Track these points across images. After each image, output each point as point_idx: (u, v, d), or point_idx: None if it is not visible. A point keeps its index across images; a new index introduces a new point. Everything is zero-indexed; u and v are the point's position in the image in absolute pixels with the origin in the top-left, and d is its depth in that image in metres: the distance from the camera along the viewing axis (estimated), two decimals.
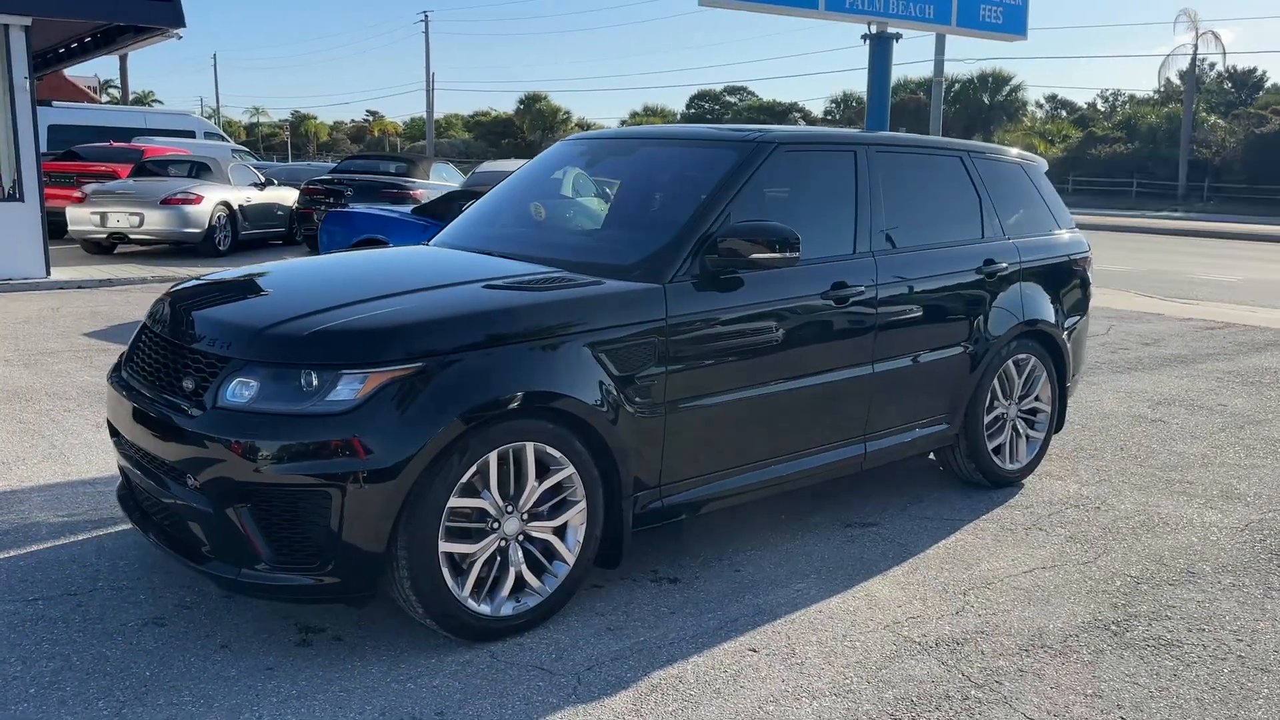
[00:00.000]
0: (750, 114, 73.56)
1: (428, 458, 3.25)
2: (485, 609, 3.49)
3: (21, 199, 11.47)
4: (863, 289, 4.49)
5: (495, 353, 3.44)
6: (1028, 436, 5.47)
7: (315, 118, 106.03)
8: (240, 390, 3.30)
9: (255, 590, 3.33)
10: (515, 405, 3.43)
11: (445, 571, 3.37)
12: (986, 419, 5.20)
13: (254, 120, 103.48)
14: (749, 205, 4.29)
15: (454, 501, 3.36)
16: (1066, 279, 5.62)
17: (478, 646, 3.49)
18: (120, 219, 14.22)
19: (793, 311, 4.26)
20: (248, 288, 4.02)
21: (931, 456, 5.39)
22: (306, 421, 3.21)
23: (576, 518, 3.68)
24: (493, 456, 3.42)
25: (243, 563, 3.30)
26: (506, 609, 3.55)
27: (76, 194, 14.72)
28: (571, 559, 3.68)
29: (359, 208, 10.47)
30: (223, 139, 29.59)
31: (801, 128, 5.73)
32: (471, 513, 3.45)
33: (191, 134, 28.56)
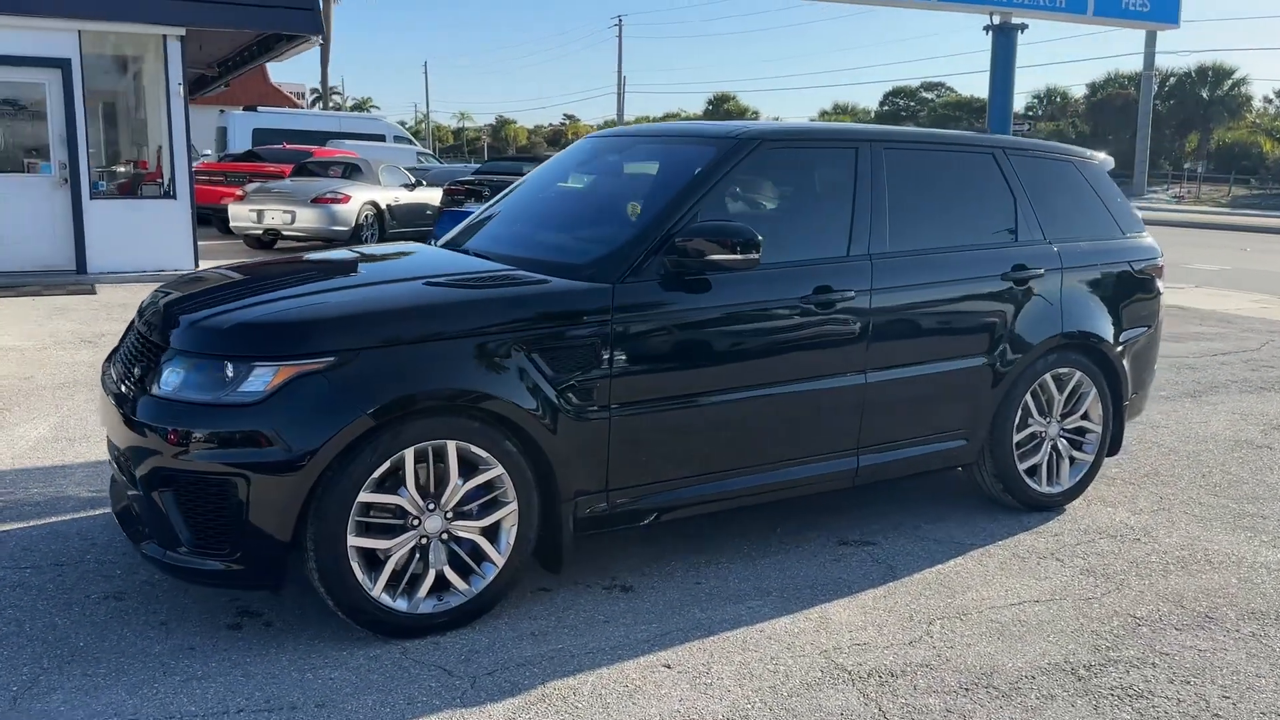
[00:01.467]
0: (946, 110, 71.34)
1: (333, 452, 3.28)
2: (401, 605, 3.49)
3: (174, 196, 12.39)
4: (852, 294, 4.23)
5: (412, 350, 3.43)
6: (1072, 458, 5.03)
7: (515, 122, 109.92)
8: (170, 379, 3.43)
9: (176, 572, 3.45)
10: (433, 403, 3.41)
11: (355, 566, 3.39)
12: (1017, 437, 4.80)
13: (460, 125, 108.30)
14: (725, 204, 4.13)
15: (367, 497, 3.37)
16: (1125, 288, 5.13)
17: (393, 642, 3.50)
18: (275, 216, 15.14)
19: (765, 315, 4.07)
20: (218, 282, 4.17)
21: (960, 470, 5.03)
22: (221, 411, 3.30)
23: (508, 519, 3.63)
24: (409, 453, 3.42)
25: (168, 545, 3.43)
26: (426, 607, 3.54)
27: (238, 192, 15.80)
28: (500, 561, 3.63)
29: (471, 207, 10.76)
30: (410, 142, 31.04)
31: (799, 123, 5.47)
32: (391, 508, 3.46)
33: (382, 137, 30.11)
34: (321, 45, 49.39)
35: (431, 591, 3.56)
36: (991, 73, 9.64)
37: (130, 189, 12.42)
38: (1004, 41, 9.49)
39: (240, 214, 15.44)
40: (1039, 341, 4.74)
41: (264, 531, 3.29)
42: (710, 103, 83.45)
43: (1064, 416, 4.97)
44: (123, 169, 12.58)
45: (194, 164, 13.35)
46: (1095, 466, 5.09)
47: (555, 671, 3.34)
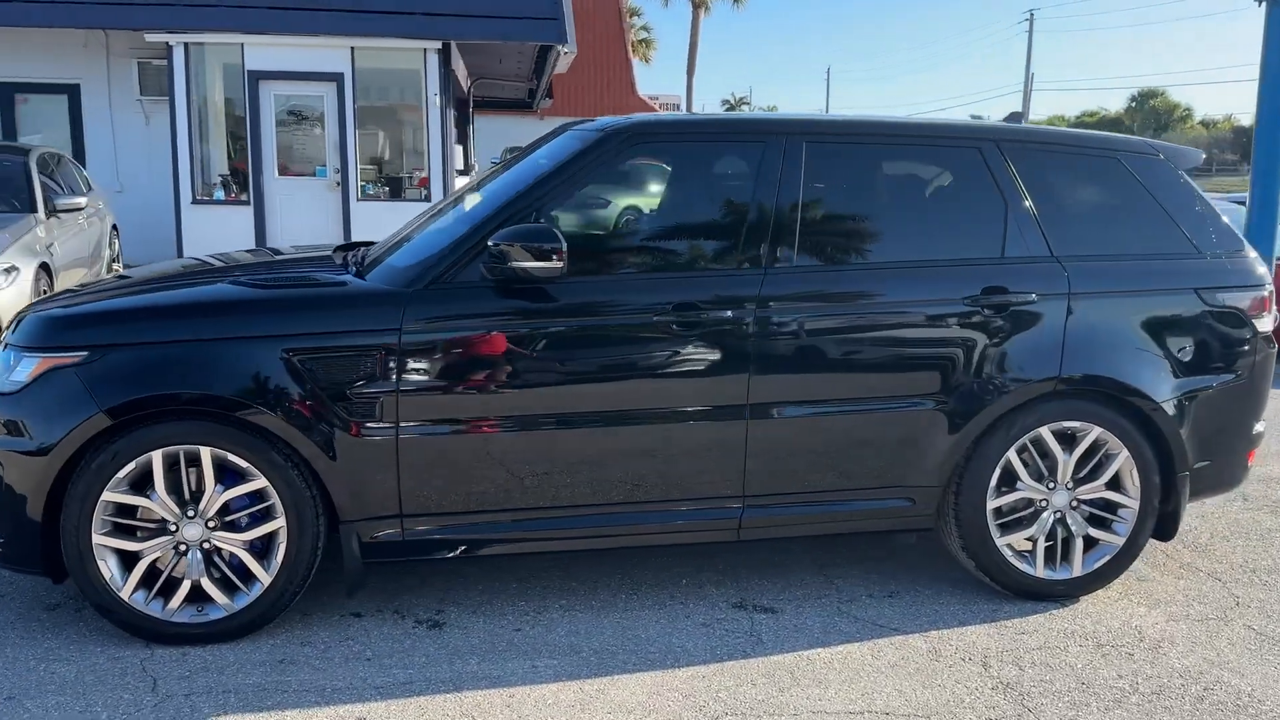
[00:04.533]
0: None
1: (71, 447, 3.27)
2: (154, 610, 3.41)
3: (431, 200, 13.29)
4: (729, 313, 3.55)
5: (161, 350, 3.33)
6: (1089, 538, 3.91)
7: None
8: None
9: None
10: (179, 406, 3.30)
11: (104, 564, 3.35)
12: (995, 502, 3.81)
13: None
14: (580, 205, 3.64)
15: (112, 496, 3.32)
16: (1190, 323, 3.90)
17: (145, 646, 3.43)
18: None
19: (607, 333, 3.53)
20: (107, 281, 4.30)
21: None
22: (1, 398, 3.40)
23: (281, 535, 3.44)
24: (157, 456, 3.33)
25: None
26: (182, 616, 3.43)
27: None
28: (267, 578, 3.44)
29: None
30: None
31: (707, 114, 4.67)
32: (145, 510, 3.39)
33: None
34: (688, 54, 51.27)
35: (193, 601, 3.45)
36: (1263, 51, 7.73)
37: (393, 192, 13.50)
38: (1276, 15, 7.57)
39: None
40: (1023, 384, 3.73)
41: (20, 518, 3.34)
42: (1133, 99, 76.32)
43: (1077, 483, 3.86)
44: (383, 173, 13.68)
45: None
46: (1129, 552, 3.92)
47: (257, 705, 3.09)
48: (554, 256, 3.34)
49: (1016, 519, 3.88)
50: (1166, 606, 3.91)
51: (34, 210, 8.38)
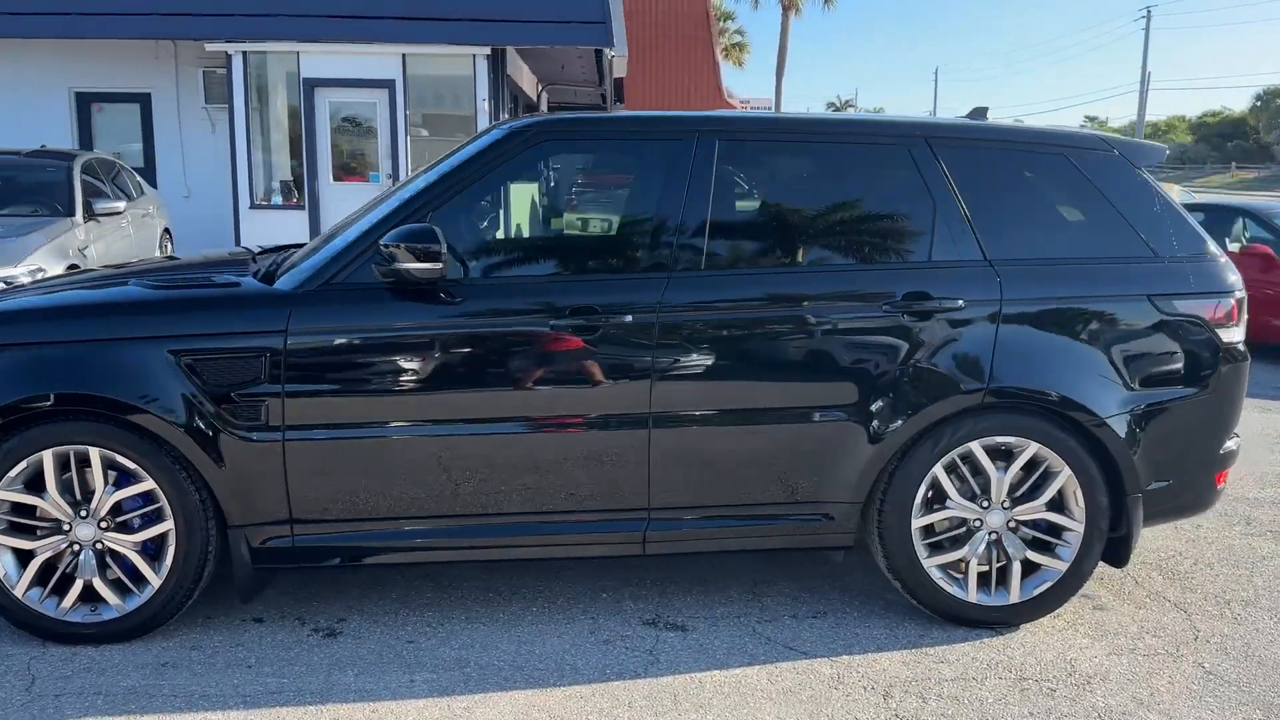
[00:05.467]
0: None
1: None
2: (48, 609, 3.43)
3: None
4: (629, 318, 3.41)
5: (48, 351, 3.34)
6: (1029, 562, 3.64)
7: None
8: None
9: None
10: (64, 407, 3.30)
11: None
12: (920, 520, 3.58)
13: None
14: (484, 208, 3.54)
15: (5, 494, 3.34)
16: (1136, 332, 3.60)
17: (36, 644, 3.45)
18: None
19: (500, 337, 3.42)
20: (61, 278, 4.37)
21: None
22: None
23: (170, 537, 3.42)
24: (48, 455, 3.34)
25: None
26: (76, 615, 3.44)
27: None
28: (157, 580, 3.43)
29: None
30: None
31: (622, 112, 4.48)
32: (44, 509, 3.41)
33: None
34: (777, 56, 50.73)
35: (87, 601, 3.46)
36: None
37: None
38: None
39: None
40: (948, 396, 3.49)
41: None
42: (1258, 98, 72.90)
43: (1014, 503, 3.60)
44: None
45: None
46: (1074, 579, 3.64)
47: (121, 708, 3.07)
48: (434, 258, 3.25)
49: (949, 539, 3.63)
50: (1114, 638, 3.61)
51: (72, 214, 8.67)
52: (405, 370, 3.39)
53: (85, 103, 14.50)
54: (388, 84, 12.95)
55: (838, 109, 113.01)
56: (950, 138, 3.66)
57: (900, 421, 3.48)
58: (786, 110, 54.36)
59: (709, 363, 3.46)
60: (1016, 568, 3.62)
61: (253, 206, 13.18)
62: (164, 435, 3.32)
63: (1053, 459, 3.56)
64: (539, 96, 20.75)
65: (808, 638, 3.58)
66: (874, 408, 3.49)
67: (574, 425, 3.45)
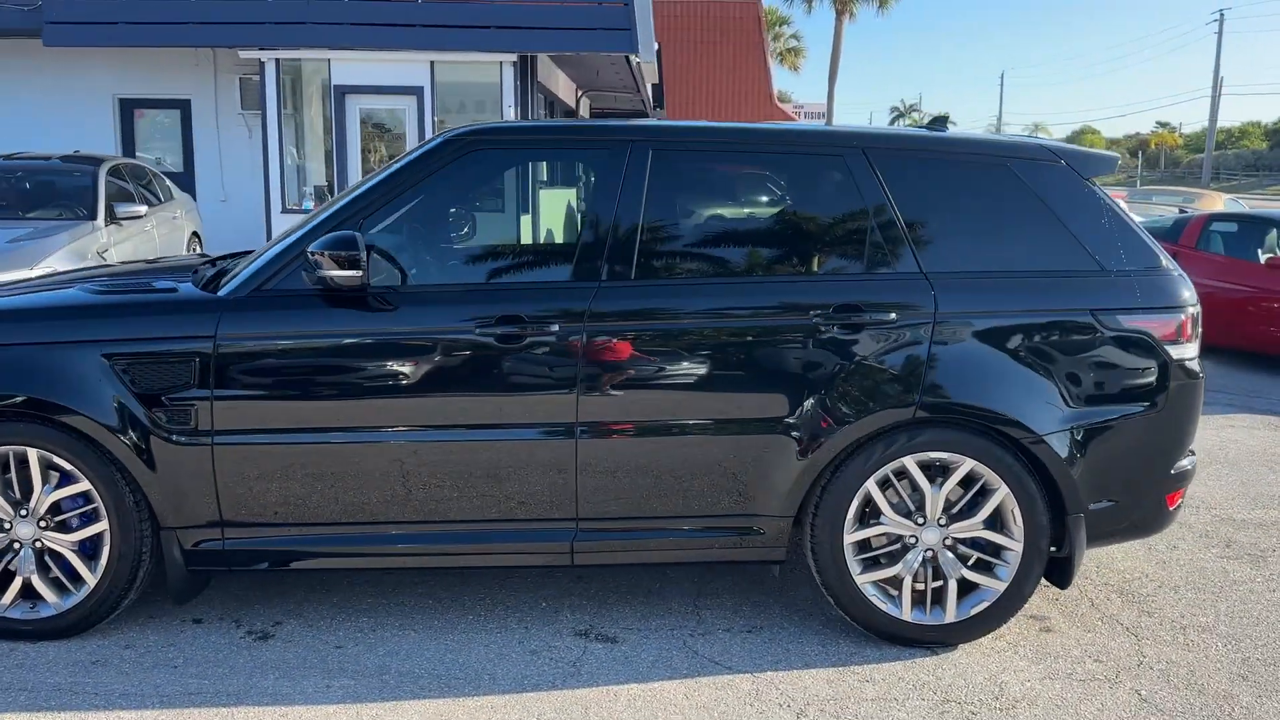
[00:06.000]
0: None
1: None
2: None
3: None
4: (556, 326, 3.40)
5: None
6: (965, 582, 3.56)
7: (1096, 132, 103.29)
8: None
9: None
10: (3, 407, 3.38)
11: None
12: (853, 535, 3.51)
13: (1034, 135, 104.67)
14: (420, 216, 3.56)
15: None
16: (1077, 347, 3.50)
17: None
18: None
19: (427, 346, 3.43)
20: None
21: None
22: None
23: (106, 538, 3.49)
24: None
25: None
26: (14, 612, 3.52)
27: None
28: (93, 579, 3.49)
29: None
30: None
31: (555, 121, 4.43)
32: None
33: None
34: (830, 61, 50.40)
35: (27, 598, 3.53)
36: None
37: None
38: None
39: None
40: (879, 410, 3.43)
41: None
42: None
43: (951, 520, 3.53)
44: None
45: None
46: (1013, 599, 3.55)
47: (41, 705, 3.14)
48: (355, 265, 3.27)
49: (885, 555, 3.57)
50: (1054, 662, 3.52)
51: (94, 218, 8.89)
52: (332, 377, 3.42)
53: (128, 109, 14.87)
54: (416, 91, 13.09)
55: (901, 114, 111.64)
56: (887, 148, 3.60)
57: (830, 435, 3.43)
58: (836, 117, 53.83)
59: (636, 373, 3.44)
60: (952, 586, 3.54)
61: (284, 210, 13.39)
62: (97, 437, 3.38)
63: (990, 476, 3.48)
64: (578, 103, 20.84)
65: (737, 653, 3.54)
66: (804, 421, 3.44)
67: (500, 434, 3.45)
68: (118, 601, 3.54)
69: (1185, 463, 3.70)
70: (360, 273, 3.29)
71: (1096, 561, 4.38)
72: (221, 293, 3.50)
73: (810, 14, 61.93)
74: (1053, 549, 3.62)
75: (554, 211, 3.67)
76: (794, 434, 3.45)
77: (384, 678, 3.34)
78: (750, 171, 3.69)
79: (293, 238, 3.56)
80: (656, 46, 21.14)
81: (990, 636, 3.65)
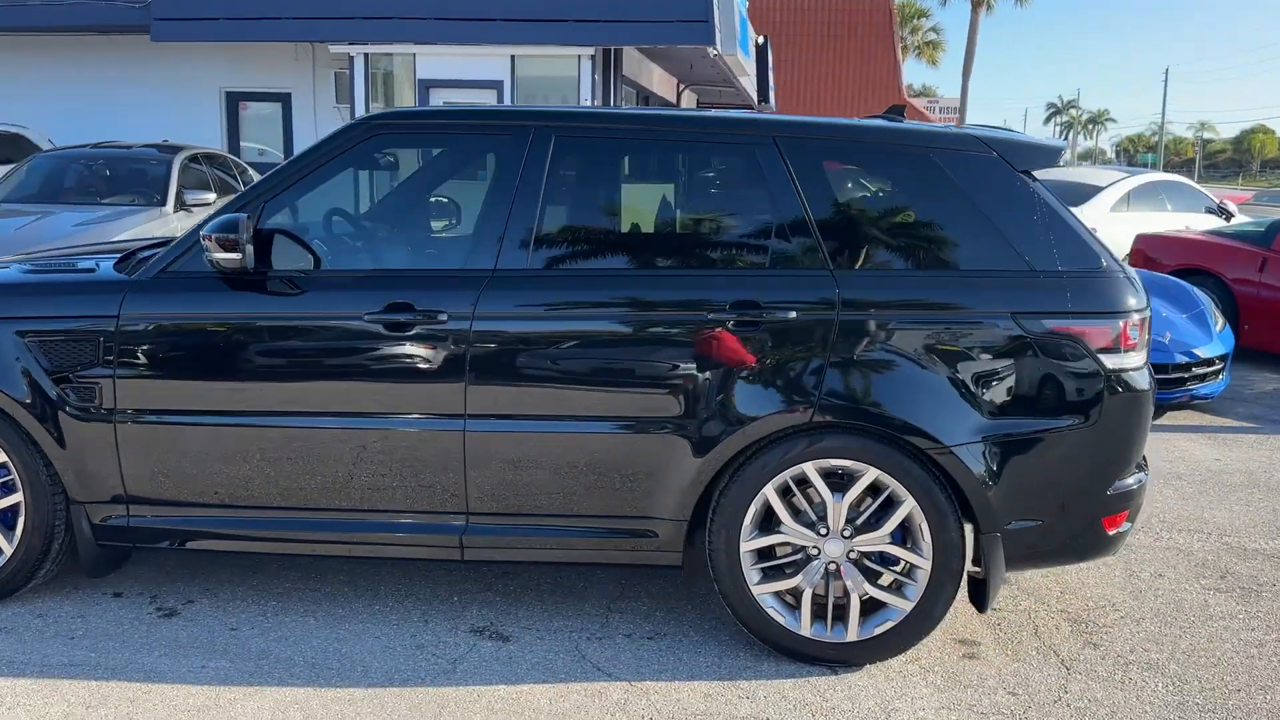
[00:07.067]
0: None
1: None
2: None
3: None
4: (444, 316, 3.33)
5: None
6: (869, 599, 3.33)
7: (1271, 131, 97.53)
8: None
9: None
10: None
11: None
12: (750, 544, 3.34)
13: (1199, 135, 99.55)
14: (324, 199, 3.55)
15: None
16: (996, 351, 3.23)
17: None
18: None
19: (315, 332, 3.42)
20: None
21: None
22: None
23: (21, 509, 3.60)
24: None
25: None
26: None
27: None
28: (9, 549, 3.61)
29: None
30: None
31: (459, 105, 4.28)
32: None
33: None
34: (965, 54, 48.86)
35: None
36: None
37: None
38: None
39: None
40: (774, 413, 3.24)
41: None
42: None
43: (856, 532, 3.31)
44: None
45: None
46: (922, 620, 3.31)
47: None
48: (233, 248, 3.28)
49: (790, 565, 3.38)
50: (962, 691, 3.26)
51: (164, 205, 9.29)
52: (226, 360, 3.44)
53: (234, 101, 15.52)
54: (497, 85, 13.24)
55: (1059, 110, 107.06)
56: (801, 138, 3.39)
57: (723, 438, 3.26)
58: (968, 110, 51.99)
59: (525, 368, 3.35)
60: (855, 602, 3.33)
61: None
62: (10, 412, 3.49)
63: (896, 487, 3.25)
64: (679, 96, 20.73)
65: (626, 660, 3.41)
66: (696, 422, 3.28)
67: (389, 422, 3.41)
68: (33, 571, 3.65)
69: (1130, 482, 3.38)
70: (238, 255, 3.29)
71: (1063, 586, 4.06)
72: (133, 275, 3.56)
73: (945, 6, 60.11)
74: (977, 569, 3.37)
75: (456, 199, 3.61)
76: (688, 434, 3.29)
77: (261, 662, 3.35)
78: (657, 160, 3.54)
79: (202, 222, 3.60)
80: (760, 39, 20.86)
81: (903, 659, 3.42)
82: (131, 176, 9.81)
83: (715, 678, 3.31)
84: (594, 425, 3.35)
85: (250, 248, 3.30)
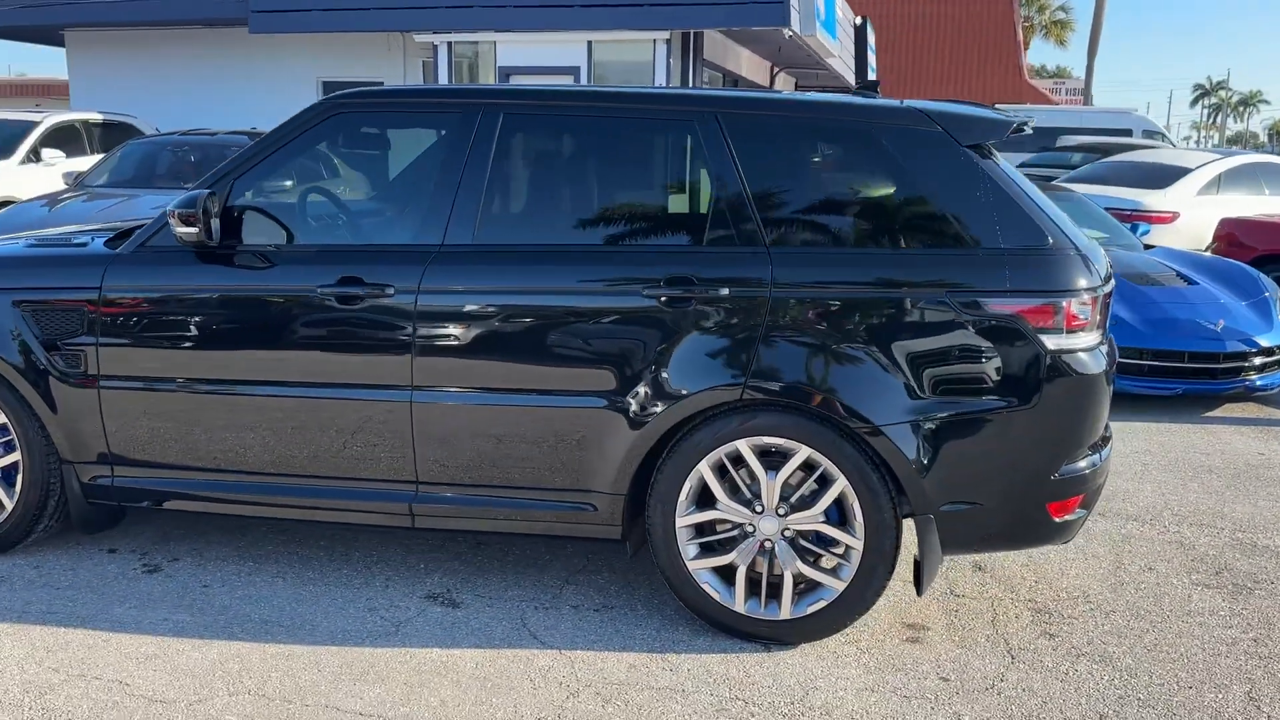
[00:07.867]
0: None
1: None
2: None
3: None
4: (391, 290, 3.44)
5: None
6: (802, 578, 3.31)
7: None
8: None
9: None
10: None
11: None
12: (686, 519, 3.35)
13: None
14: (287, 177, 3.71)
15: None
16: (929, 330, 3.16)
17: None
18: None
19: (273, 304, 3.57)
20: None
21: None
22: None
23: (19, 467, 3.87)
24: None
25: None
26: None
27: None
28: (10, 504, 3.89)
29: None
30: (1164, 136, 27.82)
31: (417, 85, 4.28)
32: None
33: (1128, 132, 27.59)
34: (1090, 33, 46.79)
35: None
36: None
37: None
38: None
39: None
40: (705, 389, 3.25)
41: None
42: None
43: (791, 510, 3.29)
44: None
45: None
46: (855, 601, 3.28)
47: None
48: (190, 223, 3.44)
49: (725, 540, 3.38)
50: (892, 674, 3.21)
51: None
52: (193, 329, 3.63)
53: (330, 90, 16.04)
54: (574, 70, 13.37)
55: (1206, 91, 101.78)
56: (742, 112, 3.37)
57: (656, 413, 3.29)
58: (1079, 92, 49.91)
59: (468, 342, 3.43)
60: (788, 580, 3.31)
61: None
62: (8, 377, 3.75)
63: (828, 466, 3.22)
64: (772, 79, 20.52)
65: (564, 630, 3.47)
66: (631, 397, 3.31)
67: (342, 392, 3.54)
68: (31, 526, 3.92)
69: (1081, 466, 3.27)
70: (195, 230, 3.46)
71: (1039, 575, 3.94)
72: (117, 249, 3.77)
73: None
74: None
75: (410, 176, 3.71)
76: (623, 409, 3.33)
77: (219, 618, 3.53)
78: (600, 137, 3.55)
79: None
80: (859, 20, 20.46)
81: (841, 639, 3.39)
82: (217, 161, 10.29)
83: (646, 650, 3.34)
84: (534, 399, 3.41)
85: (215, 223, 3.47)
